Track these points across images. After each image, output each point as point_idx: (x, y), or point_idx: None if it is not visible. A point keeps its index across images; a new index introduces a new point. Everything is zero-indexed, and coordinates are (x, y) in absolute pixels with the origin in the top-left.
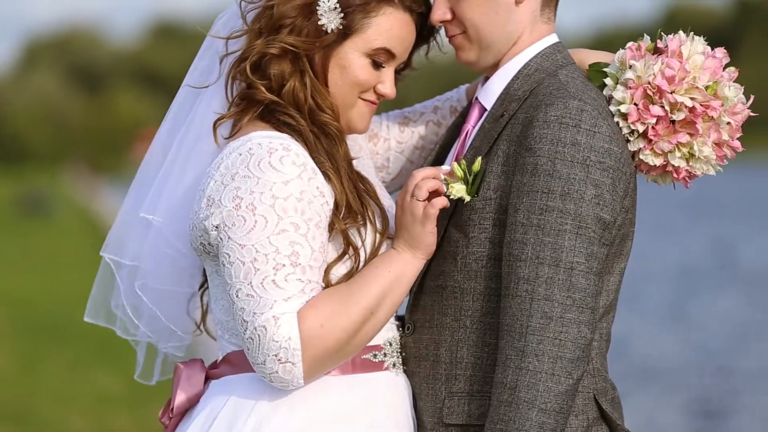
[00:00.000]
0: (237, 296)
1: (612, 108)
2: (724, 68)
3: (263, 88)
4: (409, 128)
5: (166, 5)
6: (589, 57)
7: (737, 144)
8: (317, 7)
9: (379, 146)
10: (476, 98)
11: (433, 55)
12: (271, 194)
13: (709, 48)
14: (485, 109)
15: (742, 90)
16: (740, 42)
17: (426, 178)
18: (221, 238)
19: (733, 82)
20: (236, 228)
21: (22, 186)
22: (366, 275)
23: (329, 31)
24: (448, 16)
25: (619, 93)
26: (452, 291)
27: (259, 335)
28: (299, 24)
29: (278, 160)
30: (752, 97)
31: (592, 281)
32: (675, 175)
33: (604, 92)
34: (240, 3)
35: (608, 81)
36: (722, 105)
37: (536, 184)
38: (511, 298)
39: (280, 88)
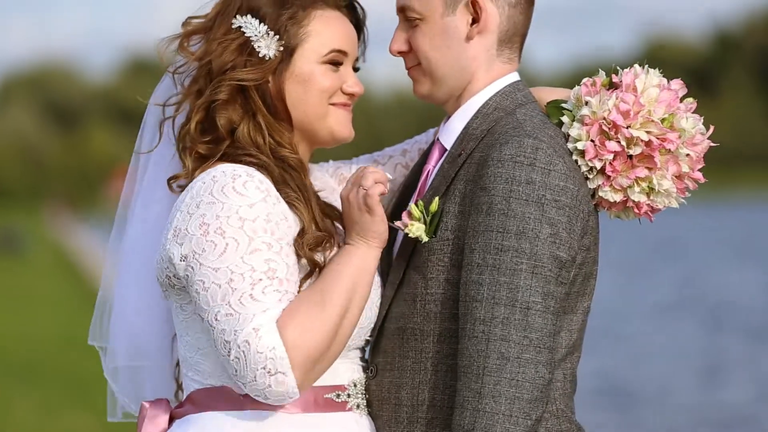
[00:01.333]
0: (216, 319)
1: (570, 145)
2: (682, 99)
3: (211, 145)
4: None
5: (140, 42)
6: (548, 94)
7: (699, 176)
8: (251, 41)
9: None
10: (437, 138)
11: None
12: (238, 217)
13: (665, 80)
14: (446, 149)
15: (701, 120)
16: (721, 77)
17: (372, 170)
18: (192, 267)
19: (692, 113)
20: (207, 253)
21: None
22: (330, 275)
23: (272, 56)
24: (405, 48)
25: (575, 130)
26: (412, 333)
27: (243, 351)
28: (241, 63)
29: (242, 185)
30: (712, 128)
31: (549, 320)
32: (636, 210)
33: (562, 129)
34: (173, 74)
35: (565, 118)
36: (680, 137)
37: (491, 223)
38: (468, 339)
39: (232, 134)
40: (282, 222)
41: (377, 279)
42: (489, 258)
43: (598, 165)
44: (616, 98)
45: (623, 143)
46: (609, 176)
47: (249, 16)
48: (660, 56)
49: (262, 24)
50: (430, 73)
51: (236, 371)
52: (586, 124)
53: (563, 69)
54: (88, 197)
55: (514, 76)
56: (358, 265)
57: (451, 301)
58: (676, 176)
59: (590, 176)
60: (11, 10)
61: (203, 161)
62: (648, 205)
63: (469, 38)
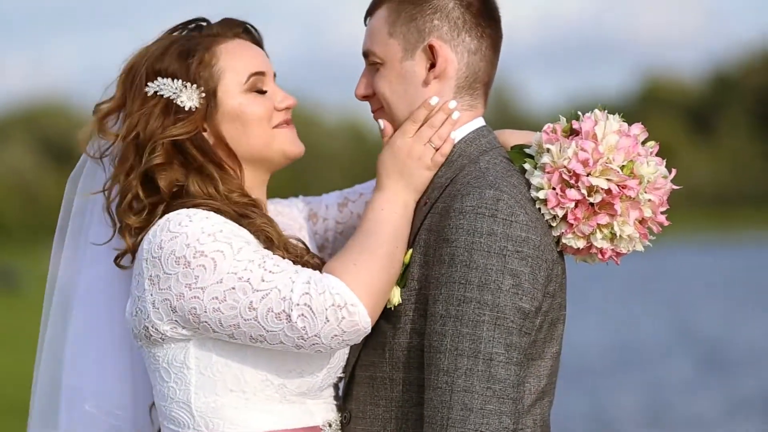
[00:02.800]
0: (253, 307)
1: (532, 193)
2: (644, 143)
3: (148, 216)
4: (348, 209)
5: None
6: (511, 137)
7: (662, 219)
8: (172, 99)
9: (318, 226)
10: None
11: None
12: (206, 234)
13: (625, 125)
14: None
15: (664, 163)
16: (718, 117)
17: (443, 123)
18: (197, 298)
19: (653, 156)
20: (201, 277)
21: None
22: (373, 221)
23: (198, 105)
24: (368, 92)
25: (536, 178)
26: (382, 381)
27: (305, 304)
28: (170, 122)
29: (195, 214)
30: (674, 171)
31: (513, 371)
32: (600, 256)
33: (526, 176)
34: (100, 159)
35: (527, 166)
36: (639, 183)
37: (454, 275)
38: (432, 390)
39: (177, 193)
40: (249, 243)
41: None
42: (452, 309)
43: (560, 213)
44: (576, 146)
45: (584, 191)
46: (571, 224)
47: (159, 78)
48: (657, 96)
49: (175, 80)
50: (391, 117)
51: (305, 329)
52: (547, 173)
53: (558, 108)
54: None
55: (479, 122)
56: (401, 214)
57: (418, 351)
58: (639, 221)
59: (553, 224)
60: (6, 47)
61: (143, 230)
62: (612, 250)
63: (426, 83)
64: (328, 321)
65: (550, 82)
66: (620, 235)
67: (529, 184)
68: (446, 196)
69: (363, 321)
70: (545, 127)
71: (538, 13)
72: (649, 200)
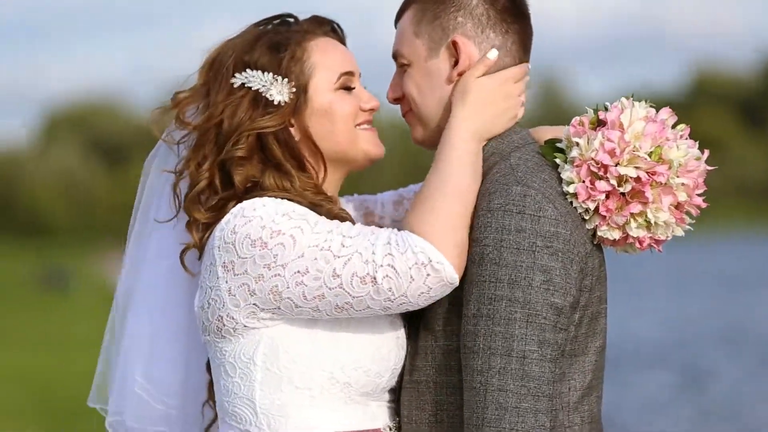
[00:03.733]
0: (338, 274)
1: (564, 188)
2: (674, 126)
3: (216, 213)
4: (403, 207)
5: (182, 77)
6: (546, 133)
7: (699, 201)
8: (261, 92)
9: (375, 224)
10: None
11: None
12: (281, 214)
13: (653, 111)
14: None
15: (696, 145)
16: None
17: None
18: (278, 275)
19: (685, 139)
20: (281, 255)
21: (41, 261)
22: (443, 168)
23: (287, 100)
24: (398, 94)
25: (566, 173)
26: (427, 385)
27: (389, 265)
28: (258, 116)
29: (268, 200)
30: (706, 152)
31: (547, 368)
32: (638, 245)
33: (558, 170)
34: (177, 145)
35: (558, 161)
36: (669, 168)
37: (484, 273)
38: (468, 391)
39: (249, 189)
40: (323, 217)
41: (402, 331)
42: (483, 308)
43: (592, 206)
44: (602, 137)
45: (613, 182)
46: (604, 216)
47: (248, 70)
48: (708, 88)
49: (265, 73)
50: (419, 117)
51: (390, 290)
52: (576, 166)
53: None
54: None
55: None
56: (474, 156)
57: (457, 353)
58: (674, 206)
59: (586, 217)
60: (54, 47)
61: (211, 227)
62: (650, 237)
63: (450, 80)
64: (413, 280)
65: (599, 76)
66: (655, 222)
67: (560, 179)
68: (479, 195)
69: (449, 276)
70: (573, 120)
71: (585, 6)
72: (682, 184)
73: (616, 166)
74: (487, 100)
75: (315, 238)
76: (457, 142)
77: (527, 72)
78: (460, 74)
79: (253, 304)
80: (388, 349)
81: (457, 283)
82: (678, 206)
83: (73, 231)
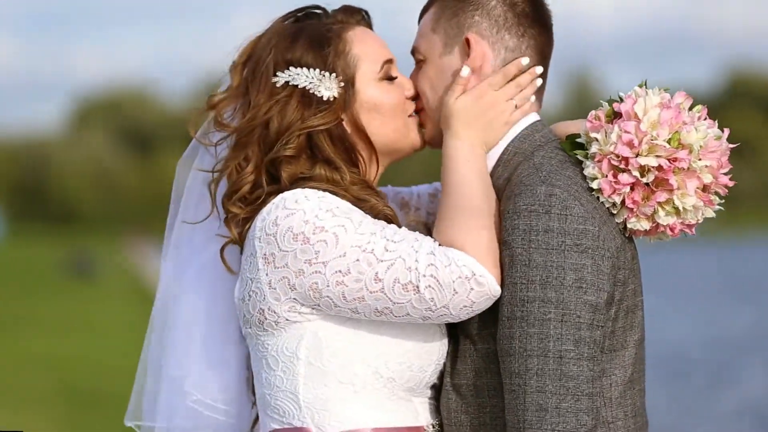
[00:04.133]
0: (379, 279)
1: (589, 184)
2: (691, 108)
3: (254, 206)
4: (437, 200)
5: (214, 66)
6: (568, 128)
7: (725, 180)
8: (309, 89)
9: (410, 215)
10: None
11: None
12: (324, 210)
13: (667, 96)
14: None
15: (715, 124)
16: None
17: (520, 88)
18: (318, 273)
19: (704, 119)
20: (323, 252)
21: (69, 248)
22: (457, 181)
23: (337, 95)
24: (413, 92)
25: (588, 169)
26: (468, 389)
27: (432, 275)
28: (311, 114)
29: (310, 192)
30: (727, 131)
31: (586, 367)
32: (669, 232)
33: (582, 167)
34: (215, 146)
35: (580, 157)
36: (690, 152)
37: (515, 276)
38: (508, 394)
39: (295, 184)
40: (367, 217)
41: (444, 326)
42: (516, 310)
43: (618, 199)
44: (619, 129)
45: (636, 173)
46: (631, 208)
47: (291, 68)
48: (743, 89)
49: (312, 70)
50: (430, 115)
51: (432, 300)
52: (597, 161)
53: None
54: (162, 223)
55: (532, 117)
56: (484, 165)
57: (496, 356)
58: (700, 189)
59: (614, 211)
60: (85, 35)
61: (250, 220)
62: (681, 223)
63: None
64: (456, 293)
65: (633, 76)
66: (684, 208)
67: (585, 175)
68: (504, 198)
69: (493, 289)
70: (589, 115)
71: (619, 4)
72: (706, 166)
73: (636, 157)
74: (471, 117)
75: (358, 238)
76: (456, 166)
77: (520, 70)
78: (472, 72)
79: (293, 298)
80: (432, 344)
81: (498, 294)
82: (705, 188)
83: (101, 218)
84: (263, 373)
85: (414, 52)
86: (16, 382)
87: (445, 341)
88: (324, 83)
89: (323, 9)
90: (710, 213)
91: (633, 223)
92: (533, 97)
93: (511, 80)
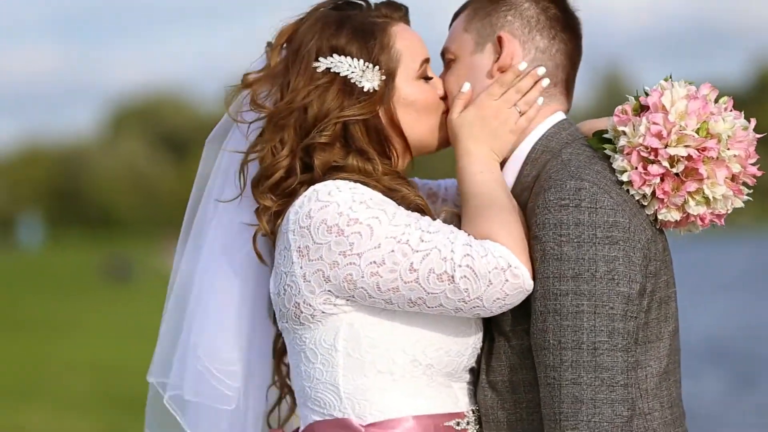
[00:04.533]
0: (414, 269)
1: (619, 177)
2: (717, 100)
3: (286, 198)
4: None
5: (248, 70)
6: (594, 125)
7: (754, 170)
8: (350, 79)
9: (437, 205)
10: None
11: None
12: (358, 202)
13: (693, 88)
14: None
15: (742, 115)
16: None
17: (525, 92)
18: (352, 264)
19: (729, 111)
20: (357, 243)
21: (107, 252)
22: (478, 188)
23: (377, 87)
24: (442, 93)
25: (617, 162)
26: (504, 386)
27: (468, 266)
28: (350, 104)
29: (342, 184)
30: (753, 121)
31: (620, 358)
32: (700, 222)
33: (610, 161)
34: (247, 125)
35: (608, 151)
36: (718, 142)
37: (547, 270)
38: (543, 388)
39: (328, 173)
40: (400, 208)
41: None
42: (550, 304)
43: (648, 191)
44: (647, 121)
45: (665, 164)
46: (662, 199)
47: (335, 55)
48: None
49: (356, 60)
50: None
51: (467, 291)
52: (627, 154)
53: None
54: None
55: (559, 116)
56: (499, 174)
57: (530, 351)
58: (729, 178)
59: (645, 203)
60: (120, 40)
61: (281, 214)
62: (711, 213)
63: (490, 75)
64: (491, 284)
65: (662, 71)
66: (714, 197)
67: (613, 169)
68: (533, 194)
69: (527, 283)
70: (616, 110)
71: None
72: (734, 155)
73: (665, 148)
74: (476, 130)
75: (392, 230)
76: (473, 179)
77: (517, 75)
78: (500, 69)
79: (328, 290)
80: (468, 327)
81: (531, 288)
82: (733, 178)
83: (137, 222)
84: (302, 366)
85: (444, 52)
86: (55, 386)
87: (481, 325)
88: (366, 75)
89: (366, 0)
90: (739, 203)
91: (664, 214)
92: (555, 97)
93: (511, 87)
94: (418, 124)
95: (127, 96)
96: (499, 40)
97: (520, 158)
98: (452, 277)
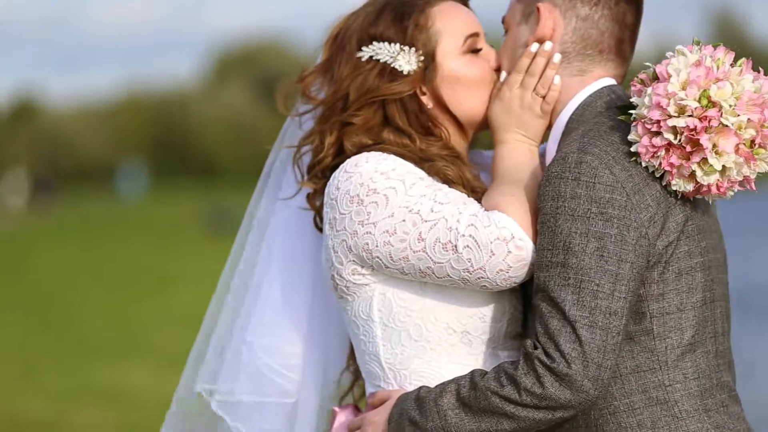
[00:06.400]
0: (423, 238)
1: (633, 149)
2: (734, 63)
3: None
4: None
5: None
6: None
7: None
8: (389, 63)
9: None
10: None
11: None
12: (379, 173)
13: (709, 50)
14: None
15: (759, 78)
16: None
17: (542, 73)
18: (369, 233)
19: (749, 72)
20: (373, 213)
21: (209, 202)
22: (506, 170)
23: (416, 68)
24: (496, 64)
25: (631, 135)
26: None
27: (471, 235)
28: (384, 85)
29: (373, 155)
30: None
31: (598, 335)
32: (716, 190)
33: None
34: (299, 117)
35: (627, 121)
36: (720, 110)
37: (543, 242)
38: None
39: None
40: (422, 179)
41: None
42: (541, 276)
43: (657, 163)
44: (652, 92)
45: (669, 136)
46: (670, 170)
47: (375, 43)
48: None
49: (392, 44)
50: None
51: (470, 260)
52: (635, 126)
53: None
54: None
55: (602, 82)
56: (524, 162)
57: None
58: (746, 145)
59: (658, 174)
60: None
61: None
62: (728, 180)
63: (527, 45)
64: (493, 254)
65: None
66: (724, 165)
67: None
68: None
69: (530, 255)
70: (633, 79)
71: None
72: (748, 120)
73: (667, 119)
74: (504, 121)
75: (407, 200)
76: (506, 163)
77: (531, 59)
78: (538, 39)
79: (352, 260)
80: (500, 293)
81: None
82: (752, 143)
83: (240, 171)
84: (354, 340)
85: (503, 22)
86: (159, 340)
87: (517, 290)
88: (403, 57)
89: None
90: (763, 167)
91: (676, 184)
92: (601, 63)
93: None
94: (467, 99)
95: (229, 42)
96: (538, 10)
97: (560, 128)
98: (456, 246)
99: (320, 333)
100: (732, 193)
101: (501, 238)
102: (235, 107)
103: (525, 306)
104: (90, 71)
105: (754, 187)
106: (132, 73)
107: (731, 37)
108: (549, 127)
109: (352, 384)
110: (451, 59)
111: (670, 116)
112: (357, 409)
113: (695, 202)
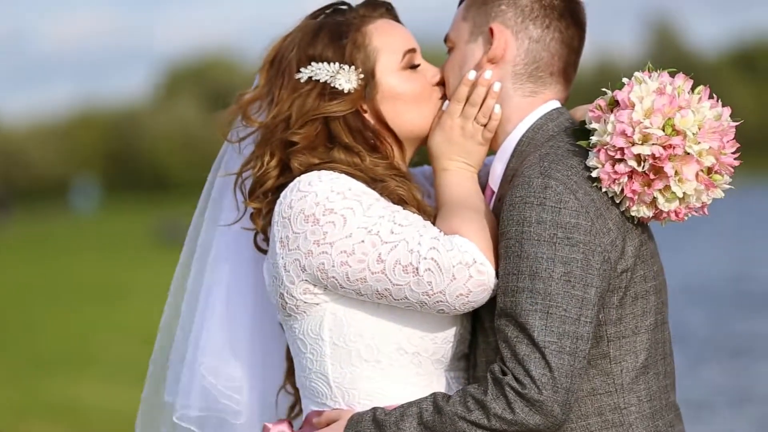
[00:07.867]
0: (382, 259)
1: (594, 175)
2: (693, 90)
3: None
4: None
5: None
6: (584, 113)
7: (730, 161)
8: (328, 84)
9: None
10: (487, 182)
11: None
12: (335, 193)
13: (666, 79)
14: (493, 192)
15: (719, 103)
16: None
17: (481, 103)
18: (325, 253)
19: (706, 100)
20: (330, 233)
21: (160, 215)
22: (451, 197)
23: (356, 87)
24: (439, 79)
25: (590, 160)
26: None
27: (433, 258)
28: (325, 105)
29: (325, 174)
30: (727, 109)
31: (566, 361)
32: (675, 216)
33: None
34: (238, 143)
35: (585, 146)
36: (684, 138)
37: (507, 266)
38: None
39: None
40: (379, 200)
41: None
42: (507, 300)
43: (617, 189)
44: (615, 119)
45: (632, 163)
46: (631, 197)
47: (314, 63)
48: None
49: (331, 64)
50: None
51: (430, 284)
52: (597, 152)
53: (724, 48)
54: None
55: (550, 106)
56: (471, 189)
57: None
58: (704, 172)
59: (617, 200)
60: (172, 3)
61: (271, 211)
62: (686, 207)
63: (479, 66)
64: (454, 279)
65: (716, 20)
66: (685, 193)
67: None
68: (509, 189)
69: (491, 281)
70: (592, 104)
71: None
72: (707, 149)
73: (632, 146)
74: (445, 150)
75: (365, 220)
76: (449, 190)
77: (466, 86)
78: (490, 60)
79: (305, 280)
80: (452, 315)
81: (495, 287)
82: (710, 171)
83: (192, 184)
84: (297, 357)
85: (445, 40)
86: (108, 352)
87: (467, 313)
88: (343, 75)
89: (348, 5)
90: (719, 193)
91: (635, 211)
92: (551, 85)
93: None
94: (407, 115)
95: (180, 58)
96: (491, 31)
97: (508, 151)
98: (417, 269)
99: (261, 356)
100: (686, 218)
101: (463, 262)
102: (185, 121)
103: (474, 327)
104: (43, 88)
105: (707, 213)
106: (85, 89)
107: (667, 42)
108: (492, 148)
109: (294, 404)
110: (390, 75)
111: (634, 144)
112: (290, 425)
113: (646, 225)
